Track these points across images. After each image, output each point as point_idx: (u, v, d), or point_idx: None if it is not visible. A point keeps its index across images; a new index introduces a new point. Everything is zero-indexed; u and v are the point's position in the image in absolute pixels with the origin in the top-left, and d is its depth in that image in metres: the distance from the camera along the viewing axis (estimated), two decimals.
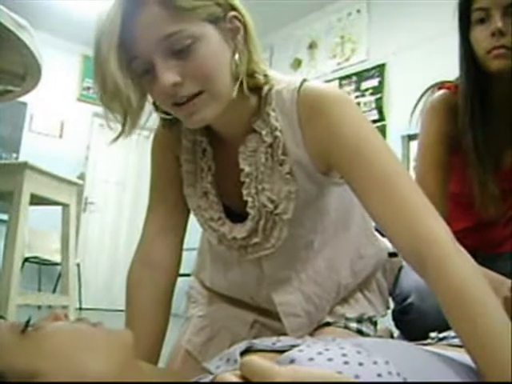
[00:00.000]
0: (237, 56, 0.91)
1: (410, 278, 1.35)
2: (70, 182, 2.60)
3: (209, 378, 0.70)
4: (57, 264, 5.67)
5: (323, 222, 1.09)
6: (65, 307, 2.47)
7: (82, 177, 5.96)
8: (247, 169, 1.00)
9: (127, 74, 0.85)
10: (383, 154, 0.88)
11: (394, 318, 1.49)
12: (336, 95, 0.93)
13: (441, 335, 0.97)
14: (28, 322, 0.65)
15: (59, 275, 5.73)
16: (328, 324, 1.14)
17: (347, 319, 1.15)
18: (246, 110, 0.97)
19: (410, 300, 1.39)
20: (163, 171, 1.13)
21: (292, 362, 0.60)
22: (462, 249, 0.78)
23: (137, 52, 0.84)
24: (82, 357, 0.62)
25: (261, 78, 0.95)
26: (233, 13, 0.90)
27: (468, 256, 0.78)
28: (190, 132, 1.06)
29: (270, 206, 0.99)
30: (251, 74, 0.94)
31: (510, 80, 1.34)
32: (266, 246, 1.04)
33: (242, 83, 0.92)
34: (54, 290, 5.81)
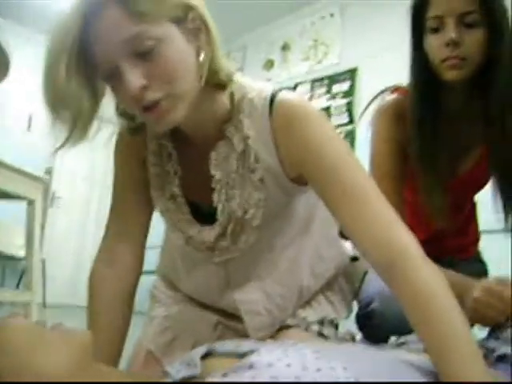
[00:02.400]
0: (201, 56, 0.91)
1: (374, 284, 1.36)
2: (36, 178, 2.56)
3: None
4: (21, 259, 5.58)
5: (288, 224, 1.11)
6: (28, 303, 2.44)
7: (49, 171, 5.88)
8: (218, 175, 1.00)
9: (80, 79, 0.84)
10: (354, 168, 0.91)
11: (358, 322, 1.51)
12: (309, 108, 0.96)
13: (401, 340, 0.99)
14: None
15: (23, 271, 5.64)
16: (290, 326, 1.15)
17: (308, 322, 1.16)
18: (216, 115, 0.97)
19: (373, 306, 1.40)
20: (126, 173, 1.12)
21: (251, 367, 0.61)
22: (427, 258, 0.81)
23: (100, 56, 0.83)
24: (39, 355, 0.62)
25: (224, 74, 0.96)
26: (193, 13, 0.89)
27: (434, 265, 0.81)
28: (155, 136, 1.06)
29: (240, 212, 1.00)
30: (215, 72, 0.94)
31: (462, 89, 1.33)
32: (233, 250, 1.05)
33: (207, 82, 0.92)
34: (18, 286, 5.71)
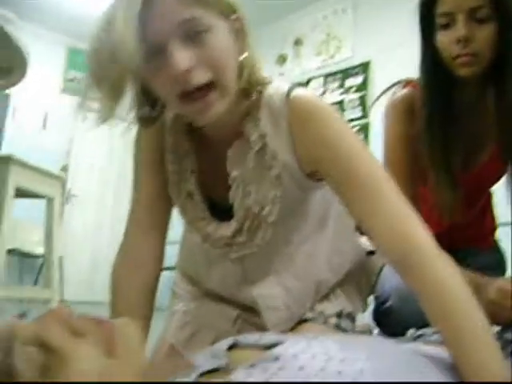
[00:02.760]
0: (243, 56, 0.93)
1: (391, 281, 1.37)
2: (54, 176, 2.59)
3: (194, 375, 0.72)
4: (38, 256, 5.63)
5: (304, 221, 1.12)
6: (47, 300, 2.47)
7: (64, 169, 5.94)
8: (234, 173, 1.02)
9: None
10: (369, 163, 0.92)
11: (375, 319, 1.52)
12: (323, 104, 0.98)
13: (418, 332, 1.00)
14: (23, 315, 0.61)
15: (40, 268, 5.69)
16: (307, 320, 1.17)
17: (326, 315, 1.17)
18: (236, 113, 0.99)
19: (389, 303, 1.40)
20: (145, 169, 1.13)
21: (277, 359, 0.63)
22: (442, 252, 0.82)
23: (152, 32, 0.82)
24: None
25: (259, 80, 0.98)
26: (237, 14, 0.92)
27: (449, 259, 0.82)
28: (173, 132, 1.07)
29: (256, 208, 1.02)
30: (251, 76, 0.96)
31: (474, 85, 1.33)
32: (249, 246, 1.07)
33: (243, 84, 0.94)
34: (35, 283, 5.77)
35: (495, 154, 1.42)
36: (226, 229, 1.06)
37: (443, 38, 1.30)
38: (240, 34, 0.93)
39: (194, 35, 0.84)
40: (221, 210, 1.08)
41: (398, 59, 4.47)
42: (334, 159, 0.93)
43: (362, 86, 4.99)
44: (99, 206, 6.90)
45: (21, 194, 2.38)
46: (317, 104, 0.97)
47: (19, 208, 3.83)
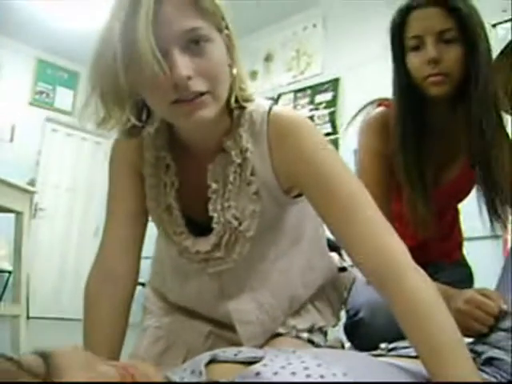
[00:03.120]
0: (234, 70, 0.96)
1: (362, 294, 1.39)
2: (23, 190, 2.55)
3: None
4: (3, 271, 5.51)
5: (280, 236, 1.13)
6: (16, 316, 2.41)
7: (32, 182, 5.83)
8: (214, 186, 1.02)
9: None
10: (346, 178, 0.94)
11: (346, 332, 1.53)
12: (304, 122, 1.00)
13: (390, 346, 1.01)
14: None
15: (6, 283, 5.57)
16: (280, 334, 1.18)
17: (298, 330, 1.18)
18: (218, 127, 1.00)
19: (360, 315, 1.42)
20: (122, 183, 1.12)
21: (258, 374, 0.63)
22: (417, 267, 0.84)
23: (156, 41, 0.82)
24: None
25: (248, 93, 1.01)
26: (228, 30, 0.95)
27: (423, 273, 0.84)
28: (153, 147, 1.07)
29: (235, 222, 1.02)
30: (242, 93, 0.99)
31: (444, 104, 1.38)
32: (227, 261, 1.07)
33: (229, 97, 0.96)
34: (0, 299, 5.64)
35: (464, 169, 1.46)
36: (204, 243, 1.06)
37: (414, 60, 1.35)
38: (230, 48, 0.95)
39: (195, 44, 0.86)
40: (198, 226, 1.08)
41: (367, 76, 4.55)
42: (311, 173, 0.95)
43: (332, 103, 5.03)
44: (67, 220, 6.79)
45: None
46: (295, 120, 0.99)
47: None
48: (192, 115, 0.89)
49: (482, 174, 1.41)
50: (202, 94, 0.88)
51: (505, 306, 1.06)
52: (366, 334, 1.42)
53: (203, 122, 0.91)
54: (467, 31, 1.31)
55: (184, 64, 0.85)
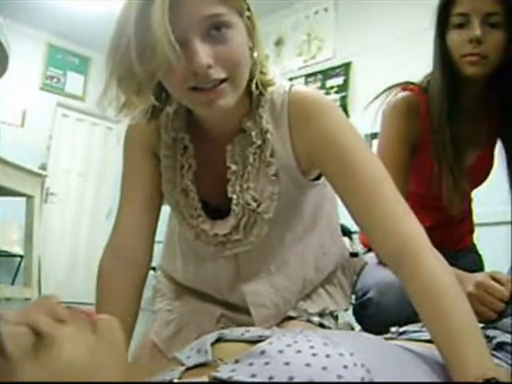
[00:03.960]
0: (255, 53, 0.95)
1: (371, 275, 1.39)
2: (34, 174, 2.56)
3: (180, 370, 0.72)
4: (15, 256, 5.56)
5: (296, 220, 1.13)
6: (27, 300, 2.44)
7: (43, 167, 5.86)
8: (234, 167, 1.02)
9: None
10: (367, 159, 0.94)
11: (355, 313, 1.53)
12: (325, 101, 1.00)
13: (401, 329, 1.00)
14: None
15: (18, 267, 5.62)
16: (291, 318, 1.18)
17: (309, 314, 1.18)
18: (238, 109, 0.99)
19: (369, 295, 1.42)
20: (137, 165, 1.12)
21: (262, 353, 0.63)
22: (435, 250, 0.84)
23: (175, 27, 0.80)
24: (96, 369, 0.60)
25: (269, 78, 1.00)
26: (249, 12, 0.93)
27: (439, 255, 0.83)
28: (171, 128, 1.06)
29: (253, 204, 1.02)
30: (263, 78, 0.98)
31: (478, 87, 1.41)
32: (244, 243, 1.07)
33: (250, 81, 0.95)
34: (13, 282, 5.70)
35: (486, 152, 1.51)
36: (223, 226, 1.06)
37: (456, 37, 1.38)
38: (251, 31, 0.94)
39: (216, 31, 0.85)
40: (214, 209, 1.08)
41: (379, 60, 4.51)
42: (333, 154, 0.95)
43: (343, 87, 5.00)
44: (78, 204, 6.84)
45: (0, 192, 2.35)
46: (316, 99, 0.99)
47: None
48: (211, 104, 0.89)
49: None
50: (221, 81, 0.87)
51: None
52: (375, 314, 1.42)
53: (222, 111, 0.90)
54: None
55: (205, 52, 0.84)
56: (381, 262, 1.40)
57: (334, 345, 0.64)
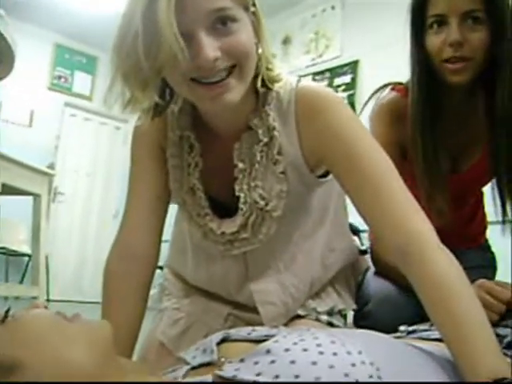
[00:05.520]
0: (260, 48, 0.94)
1: (372, 285, 1.37)
2: (42, 172, 2.57)
3: (185, 369, 0.71)
4: (24, 255, 5.59)
5: (304, 217, 1.12)
6: (34, 298, 2.44)
7: (51, 166, 5.87)
8: (241, 165, 1.01)
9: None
10: (374, 154, 0.93)
11: (355, 322, 1.52)
12: (332, 96, 0.98)
13: (410, 328, 0.99)
14: (7, 311, 0.64)
15: (26, 266, 5.65)
16: (300, 317, 1.17)
17: (318, 312, 1.18)
18: (244, 106, 0.98)
19: (368, 307, 1.40)
20: (145, 163, 1.11)
21: (268, 352, 0.62)
22: (443, 246, 0.83)
23: (180, 20, 0.80)
24: (64, 346, 0.61)
25: (275, 74, 0.98)
26: (254, 7, 0.93)
27: (449, 252, 0.82)
28: (177, 127, 1.06)
29: (262, 202, 1.01)
30: (269, 74, 0.97)
31: (465, 89, 1.31)
32: (253, 241, 1.06)
33: (255, 78, 0.94)
34: (21, 282, 5.73)
35: (485, 155, 1.40)
36: (230, 224, 1.05)
37: (435, 40, 1.27)
38: (256, 27, 0.93)
39: (221, 25, 0.84)
40: (221, 207, 1.07)
41: (386, 59, 4.49)
42: (340, 149, 0.94)
43: (351, 85, 4.99)
44: (86, 203, 6.86)
45: (7, 191, 2.35)
46: (322, 94, 0.98)
47: (4, 206, 3.81)
48: (217, 99, 0.88)
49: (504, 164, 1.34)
50: (227, 75, 0.86)
51: None
52: (373, 326, 1.40)
53: (229, 106, 0.90)
54: (496, 13, 1.22)
55: (211, 46, 0.83)
56: (377, 273, 1.39)
57: (342, 343, 0.63)
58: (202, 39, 0.83)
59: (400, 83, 1.43)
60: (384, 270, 1.35)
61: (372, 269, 1.38)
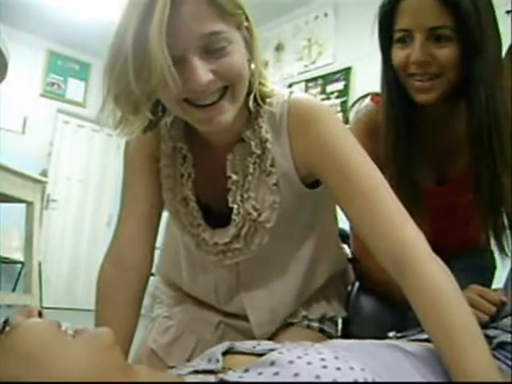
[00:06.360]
0: (252, 65, 0.94)
1: (355, 302, 1.38)
2: (34, 180, 2.56)
3: (187, 370, 0.71)
4: (17, 262, 5.56)
5: (296, 227, 1.12)
6: (27, 306, 2.43)
7: (44, 173, 5.87)
8: (234, 177, 1.02)
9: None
10: (366, 167, 0.93)
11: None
12: (324, 109, 1.00)
13: (399, 334, 1.00)
14: (6, 322, 0.62)
15: (19, 274, 5.62)
16: (291, 324, 1.18)
17: (309, 319, 1.19)
18: (237, 120, 0.97)
19: (350, 328, 1.39)
20: (138, 173, 1.11)
21: (272, 363, 0.63)
22: (435, 256, 0.83)
23: (173, 44, 0.80)
24: (55, 358, 0.59)
25: (268, 89, 0.99)
26: (247, 23, 0.92)
27: (441, 262, 0.83)
28: (169, 138, 1.06)
29: (254, 213, 1.02)
30: (262, 90, 0.97)
31: (436, 106, 1.24)
32: (245, 252, 1.07)
33: (249, 94, 0.94)
34: (14, 289, 5.69)
35: (471, 165, 1.31)
36: (223, 234, 1.06)
37: (400, 55, 1.21)
38: (249, 42, 0.93)
39: (214, 49, 0.84)
40: (214, 218, 1.07)
41: (379, 65, 4.50)
42: (330, 161, 0.94)
43: (344, 92, 5.00)
44: (79, 211, 6.83)
45: (0, 198, 2.35)
46: (315, 106, 0.98)
47: None
48: (211, 121, 0.89)
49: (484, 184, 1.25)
50: (220, 96, 0.87)
51: (504, 298, 1.04)
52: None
53: (222, 128, 0.90)
54: (467, 29, 1.14)
55: (203, 70, 0.83)
56: (361, 288, 1.39)
57: (345, 358, 0.64)
58: (195, 63, 0.83)
59: (377, 93, 1.37)
60: (373, 286, 1.35)
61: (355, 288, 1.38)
